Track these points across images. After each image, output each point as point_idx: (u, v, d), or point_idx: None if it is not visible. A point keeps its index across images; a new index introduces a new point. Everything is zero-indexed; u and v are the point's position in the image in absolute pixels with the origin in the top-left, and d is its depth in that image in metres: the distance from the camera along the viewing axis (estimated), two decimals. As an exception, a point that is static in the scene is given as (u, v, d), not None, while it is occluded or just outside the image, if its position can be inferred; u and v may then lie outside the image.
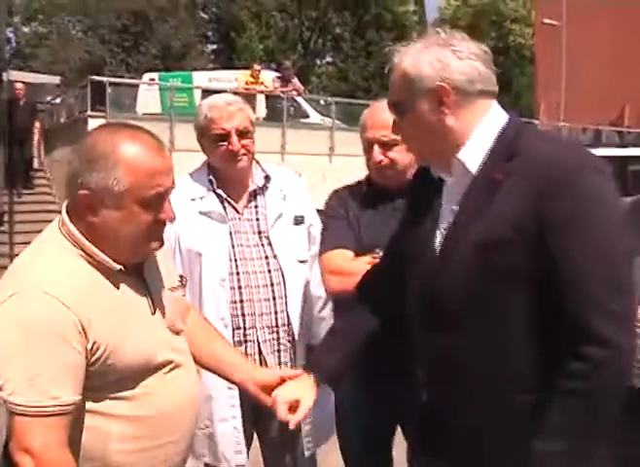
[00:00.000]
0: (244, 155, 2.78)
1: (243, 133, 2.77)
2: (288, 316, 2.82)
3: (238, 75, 18.82)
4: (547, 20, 33.66)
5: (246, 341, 2.77)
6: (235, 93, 13.54)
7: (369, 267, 2.42)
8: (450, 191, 1.85)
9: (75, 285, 1.71)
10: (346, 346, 2.15)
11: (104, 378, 1.75)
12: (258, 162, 2.94)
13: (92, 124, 12.74)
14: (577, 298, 1.60)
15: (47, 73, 25.68)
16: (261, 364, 2.76)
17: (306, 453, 2.94)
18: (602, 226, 1.63)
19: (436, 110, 1.77)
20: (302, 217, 2.94)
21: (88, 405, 1.76)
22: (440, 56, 1.75)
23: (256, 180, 2.90)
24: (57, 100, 18.32)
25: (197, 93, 19.26)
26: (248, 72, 16.90)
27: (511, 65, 46.08)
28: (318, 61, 48.96)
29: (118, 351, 1.74)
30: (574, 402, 1.60)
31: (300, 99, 17.52)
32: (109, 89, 13.74)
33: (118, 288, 1.81)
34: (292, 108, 16.63)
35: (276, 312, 2.81)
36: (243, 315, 2.77)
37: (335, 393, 2.91)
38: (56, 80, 23.68)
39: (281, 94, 15.83)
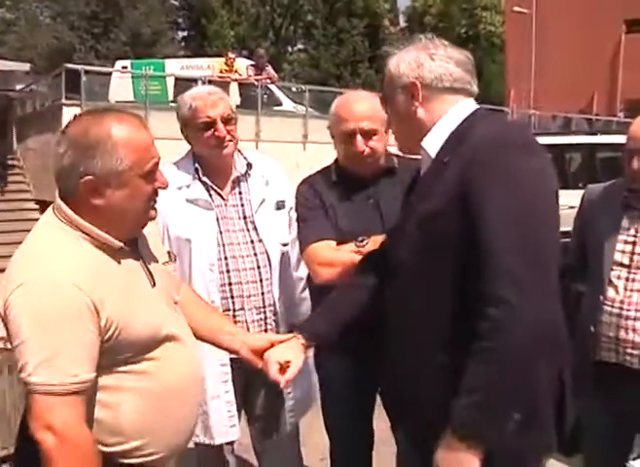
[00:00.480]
0: (230, 141, 2.90)
1: (228, 120, 2.89)
2: (274, 297, 2.96)
3: (211, 62, 18.78)
4: (517, 8, 33.90)
5: (235, 323, 2.86)
6: (210, 82, 13.58)
7: (353, 255, 2.62)
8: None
9: (83, 267, 1.79)
10: (336, 317, 2.32)
11: (115, 355, 1.84)
12: (239, 151, 3.06)
13: (67, 112, 12.67)
14: (485, 263, 1.74)
15: (14, 60, 25.32)
16: None
17: (289, 427, 3.08)
18: (513, 196, 1.76)
19: (409, 102, 2.04)
20: (284, 202, 3.08)
21: (100, 381, 1.84)
22: (416, 58, 2.04)
23: (238, 167, 3.02)
24: (31, 88, 18.11)
25: (170, 81, 19.23)
26: (221, 60, 16.84)
27: (481, 53, 46.33)
28: (290, 48, 48.92)
29: (128, 326, 1.83)
30: (480, 360, 1.72)
31: (273, 87, 17.51)
32: (84, 78, 13.61)
33: (120, 265, 1.90)
34: (265, 96, 16.64)
35: (263, 293, 2.94)
36: (232, 297, 2.90)
37: (319, 369, 3.06)
38: (26, 67, 23.34)
39: (255, 83, 15.83)
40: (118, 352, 1.84)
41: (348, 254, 2.67)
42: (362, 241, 2.68)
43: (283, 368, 2.18)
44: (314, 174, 3.05)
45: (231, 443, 3.09)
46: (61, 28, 36.22)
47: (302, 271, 3.17)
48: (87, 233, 1.85)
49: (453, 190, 1.83)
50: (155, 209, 1.99)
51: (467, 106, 2.03)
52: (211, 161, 2.94)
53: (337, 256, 2.72)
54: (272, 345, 2.27)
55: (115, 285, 1.84)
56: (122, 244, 1.90)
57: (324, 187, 2.92)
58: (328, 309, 2.36)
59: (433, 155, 1.99)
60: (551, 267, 1.77)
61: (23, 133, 16.20)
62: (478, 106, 2.06)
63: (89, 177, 1.80)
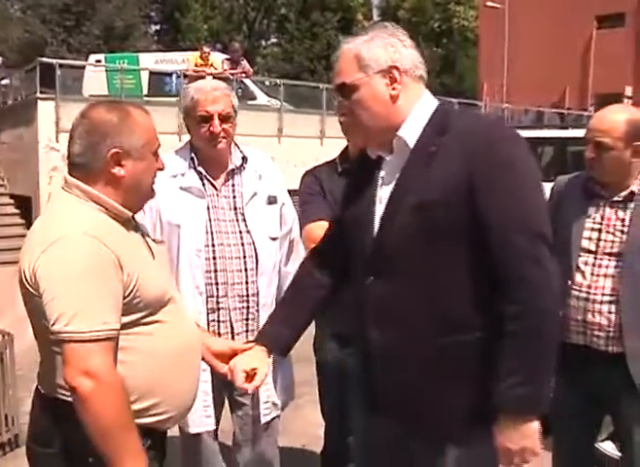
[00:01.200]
0: (224, 138, 2.97)
1: (225, 118, 2.96)
2: (257, 287, 3.01)
3: (186, 56, 18.71)
4: (489, 3, 34.12)
5: (219, 309, 2.96)
6: (185, 76, 13.45)
7: None
8: (390, 165, 2.11)
9: (104, 229, 1.98)
10: (295, 317, 2.37)
11: (129, 313, 1.98)
12: (236, 144, 3.13)
13: (42, 106, 12.59)
14: (503, 247, 1.88)
15: (-16, 53, 25.03)
16: (231, 330, 2.99)
17: (263, 420, 3.13)
18: (519, 183, 1.92)
19: (389, 86, 2.03)
20: (275, 197, 3.14)
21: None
22: (390, 43, 2.03)
23: (234, 160, 3.08)
24: (4, 82, 17.90)
25: (144, 75, 19.15)
26: (196, 53, 16.79)
27: (454, 47, 46.53)
28: (263, 42, 48.77)
29: (142, 285, 2.00)
30: (515, 340, 1.86)
31: (247, 81, 17.46)
32: (59, 72, 13.51)
33: (129, 233, 2.11)
34: (239, 90, 16.61)
35: (247, 282, 3.00)
36: (217, 284, 2.96)
37: (316, 353, 3.20)
38: (-1, 60, 23.15)
39: (230, 77, 15.82)
40: (132, 311, 1.99)
41: None
42: None
43: (250, 376, 2.25)
44: (320, 165, 3.20)
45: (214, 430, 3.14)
46: (33, 21, 35.70)
47: (293, 267, 3.20)
48: (100, 204, 2.04)
49: (455, 180, 1.91)
50: (153, 190, 2.20)
51: (431, 98, 2.10)
52: (206, 153, 3.01)
53: None
54: (234, 352, 2.35)
55: (128, 247, 2.03)
56: (131, 214, 2.10)
57: (326, 176, 3.07)
58: (287, 317, 2.38)
59: (411, 145, 2.03)
60: (549, 244, 1.92)
61: (-4, 127, 16.03)
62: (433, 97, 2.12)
63: (116, 149, 2.04)
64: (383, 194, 2.09)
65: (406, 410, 2.09)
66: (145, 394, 2.03)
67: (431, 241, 1.95)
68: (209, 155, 3.02)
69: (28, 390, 4.96)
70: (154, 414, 2.06)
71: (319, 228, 2.87)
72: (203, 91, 2.96)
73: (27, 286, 1.95)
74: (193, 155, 3.03)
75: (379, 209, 2.09)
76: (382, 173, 2.13)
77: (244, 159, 3.10)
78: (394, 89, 2.03)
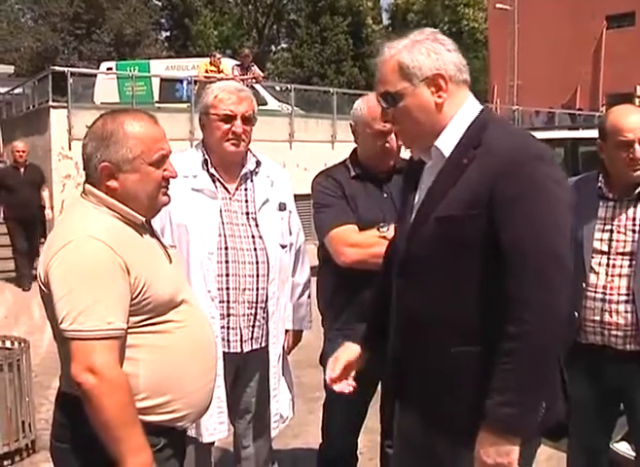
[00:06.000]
0: (243, 140, 2.95)
1: (247, 120, 2.95)
2: (267, 294, 2.97)
3: (196, 63, 18.78)
4: (499, 5, 34.11)
5: (229, 315, 2.92)
6: (196, 82, 13.49)
7: (380, 240, 2.77)
8: (428, 173, 2.12)
9: (113, 233, 2.05)
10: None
11: (138, 314, 2.05)
12: (249, 149, 3.09)
13: (54, 114, 12.66)
14: (515, 266, 1.85)
15: (-4, 62, 25.24)
16: (240, 338, 2.97)
17: (272, 433, 3.14)
18: (539, 204, 1.87)
19: (434, 94, 1.99)
20: (285, 204, 3.12)
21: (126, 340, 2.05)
22: (433, 49, 1.98)
23: (248, 165, 3.06)
24: (17, 91, 18.01)
25: (155, 82, 19.23)
26: (207, 60, 16.84)
27: (464, 49, 46.25)
28: (273, 47, 48.88)
29: (152, 287, 2.06)
30: (509, 360, 1.84)
31: (258, 86, 17.45)
32: (70, 80, 13.57)
33: (143, 238, 2.17)
34: (250, 95, 16.61)
35: (257, 289, 2.95)
36: (228, 289, 2.91)
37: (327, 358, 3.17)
38: (10, 70, 23.33)
39: (241, 82, 15.87)
40: (141, 312, 2.05)
41: (372, 238, 2.84)
42: (383, 227, 2.85)
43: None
44: (332, 168, 3.19)
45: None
46: (44, 30, 35.87)
47: (301, 277, 3.24)
48: (114, 211, 2.11)
49: (479, 196, 1.90)
50: (167, 195, 2.22)
51: (474, 104, 2.06)
52: (221, 155, 2.98)
53: (363, 238, 2.85)
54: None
55: (141, 252, 2.11)
56: (143, 219, 2.17)
57: (343, 179, 3.06)
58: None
59: (447, 154, 2.01)
60: (570, 269, 1.89)
61: (9, 136, 16.11)
62: (481, 105, 2.09)
63: (106, 163, 2.09)
64: (417, 201, 2.12)
65: (426, 407, 2.11)
66: (156, 391, 2.08)
67: (450, 253, 1.95)
68: (224, 157, 2.98)
69: (44, 397, 5.06)
70: (167, 412, 2.11)
71: (351, 231, 2.90)
72: (228, 91, 2.95)
73: (42, 287, 2.04)
74: (206, 156, 3.00)
75: (413, 218, 2.11)
76: (422, 180, 2.14)
77: (258, 163, 3.08)
78: (440, 96, 1.99)
